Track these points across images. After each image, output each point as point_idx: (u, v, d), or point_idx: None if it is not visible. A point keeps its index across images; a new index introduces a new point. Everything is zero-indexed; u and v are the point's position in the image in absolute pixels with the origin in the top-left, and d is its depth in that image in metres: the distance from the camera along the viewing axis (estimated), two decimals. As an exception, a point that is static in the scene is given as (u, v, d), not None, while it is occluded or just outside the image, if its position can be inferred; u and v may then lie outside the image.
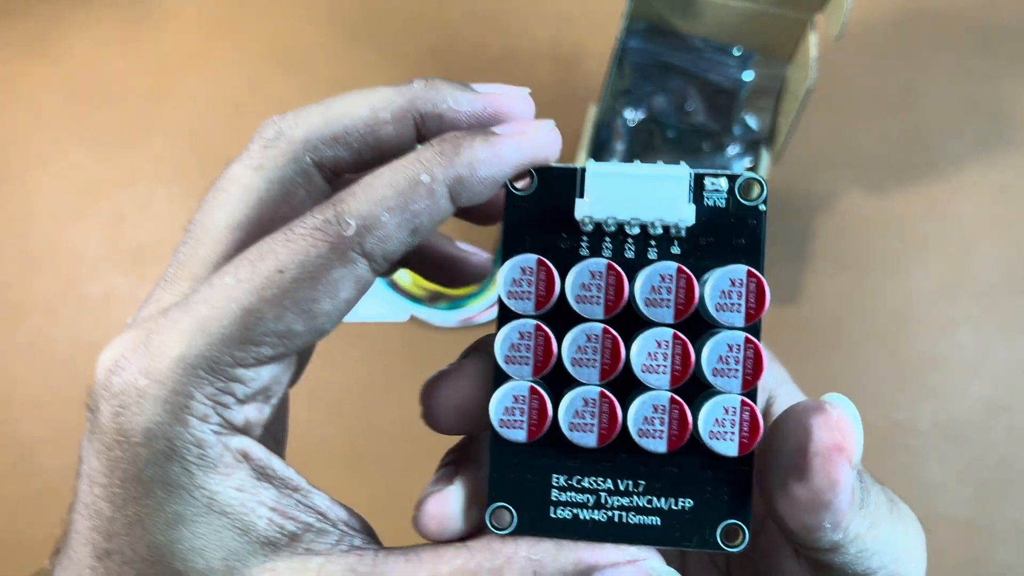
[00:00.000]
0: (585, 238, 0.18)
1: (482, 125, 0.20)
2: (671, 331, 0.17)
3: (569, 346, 0.18)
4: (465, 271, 0.25)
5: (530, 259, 0.18)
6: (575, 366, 0.18)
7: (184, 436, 0.17)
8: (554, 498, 0.19)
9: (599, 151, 0.53)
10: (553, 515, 0.19)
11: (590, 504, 0.19)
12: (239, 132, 0.58)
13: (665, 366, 0.18)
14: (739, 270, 0.17)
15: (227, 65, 0.60)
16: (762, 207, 0.18)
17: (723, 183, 0.18)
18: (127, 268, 0.55)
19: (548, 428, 0.18)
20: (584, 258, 0.18)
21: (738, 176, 0.18)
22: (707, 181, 0.18)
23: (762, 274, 0.18)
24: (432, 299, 0.53)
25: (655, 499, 0.19)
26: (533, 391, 0.18)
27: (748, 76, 0.54)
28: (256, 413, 0.18)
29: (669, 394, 0.18)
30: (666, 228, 0.18)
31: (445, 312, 0.52)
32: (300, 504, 0.18)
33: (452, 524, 0.19)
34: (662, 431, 0.18)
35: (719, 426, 0.18)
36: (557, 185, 0.19)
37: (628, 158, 0.53)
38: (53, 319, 0.54)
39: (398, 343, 0.52)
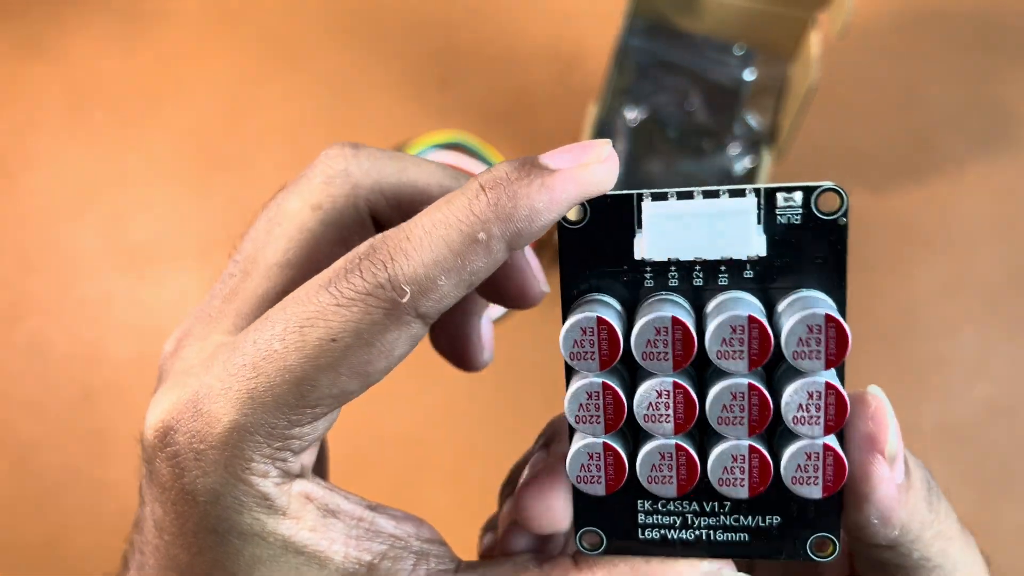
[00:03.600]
0: (649, 268, 0.18)
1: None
2: (746, 382, 0.17)
3: (640, 403, 0.17)
4: (527, 294, 0.23)
5: (591, 319, 0.17)
6: (648, 422, 0.17)
7: (248, 492, 0.17)
8: (641, 521, 0.19)
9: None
10: (641, 536, 0.19)
11: (677, 525, 0.19)
12: (238, 132, 0.58)
13: (742, 417, 0.17)
14: (817, 315, 0.16)
15: (226, 65, 0.59)
16: (843, 220, 0.17)
17: (798, 197, 0.17)
18: (125, 268, 0.55)
19: (627, 480, 0.18)
20: (649, 290, 0.18)
21: (815, 188, 0.17)
22: (779, 197, 0.17)
23: (843, 300, 0.17)
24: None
25: (741, 518, 0.19)
26: (607, 448, 0.18)
27: (749, 75, 0.54)
28: (311, 456, 0.19)
29: (748, 443, 0.17)
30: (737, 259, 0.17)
31: (445, 312, 0.52)
32: (369, 531, 0.19)
33: (558, 517, 0.19)
34: (743, 479, 0.17)
35: (802, 471, 0.17)
36: (612, 213, 0.18)
37: (629, 158, 0.53)
38: (51, 319, 0.54)
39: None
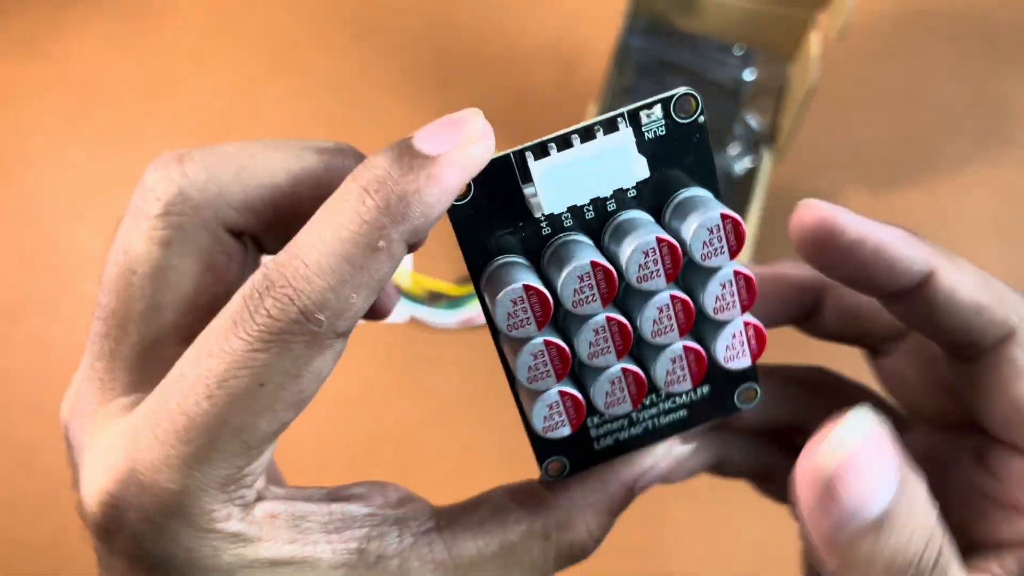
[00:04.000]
0: (543, 218, 0.18)
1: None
2: (668, 294, 0.18)
3: (581, 346, 0.18)
4: (382, 310, 0.23)
5: (517, 289, 0.17)
6: (592, 359, 0.18)
7: (219, 537, 0.17)
8: (593, 435, 0.21)
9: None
10: (597, 447, 0.21)
11: (625, 426, 0.21)
12: (238, 131, 0.58)
13: (672, 324, 0.19)
14: (713, 217, 0.18)
15: (226, 64, 0.59)
16: (701, 119, 0.18)
17: (658, 110, 0.18)
18: (126, 268, 0.55)
19: (587, 412, 0.19)
20: (547, 237, 0.19)
21: (671, 98, 0.18)
22: (642, 115, 0.18)
23: (718, 191, 0.19)
24: (432, 299, 0.52)
25: (678, 399, 0.21)
26: (563, 394, 0.19)
27: (749, 75, 0.54)
28: (262, 480, 0.18)
29: (682, 344, 0.19)
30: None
31: (445, 312, 0.52)
32: (344, 520, 0.19)
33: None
34: (683, 375, 0.19)
35: (732, 350, 0.19)
36: (496, 178, 0.18)
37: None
38: (52, 319, 0.54)
39: (397, 344, 0.52)
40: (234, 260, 0.19)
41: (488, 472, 0.51)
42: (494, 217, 0.18)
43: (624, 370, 0.19)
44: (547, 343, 0.18)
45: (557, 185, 0.18)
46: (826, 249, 0.19)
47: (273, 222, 0.19)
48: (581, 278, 0.18)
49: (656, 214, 0.19)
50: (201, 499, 0.17)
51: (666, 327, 0.19)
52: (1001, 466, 0.20)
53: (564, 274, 0.18)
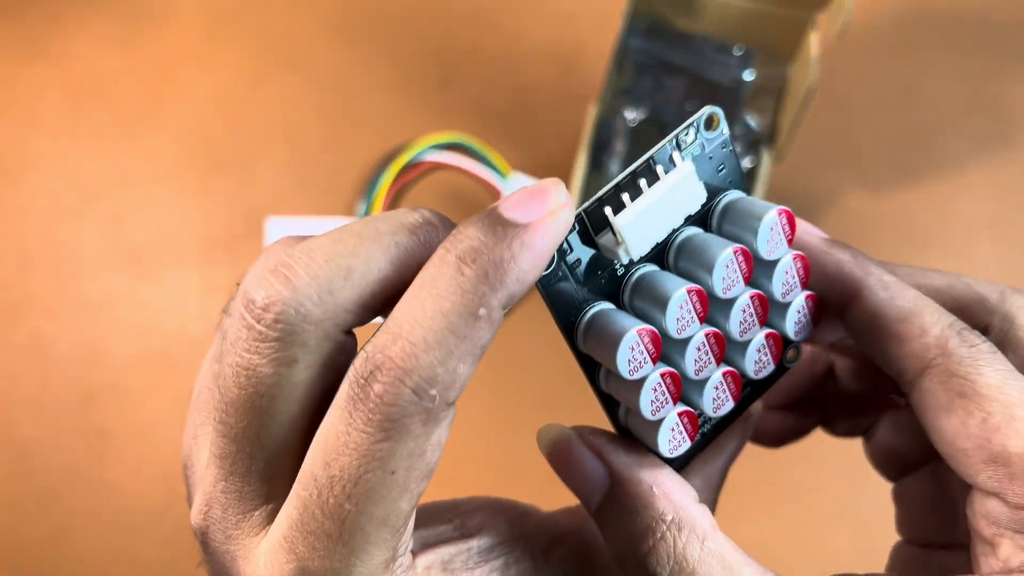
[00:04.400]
0: (616, 260, 0.20)
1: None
2: (748, 295, 0.20)
3: (689, 365, 0.20)
4: None
5: (632, 336, 0.18)
6: (699, 374, 0.20)
7: None
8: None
9: (599, 151, 0.53)
10: (695, 443, 0.22)
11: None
12: (238, 132, 0.58)
13: (753, 319, 0.20)
14: (772, 216, 0.19)
15: (227, 64, 0.59)
16: (726, 132, 0.20)
17: (691, 133, 0.20)
18: (126, 268, 0.55)
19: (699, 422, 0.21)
20: (623, 275, 0.20)
21: (700, 118, 0.20)
22: (681, 140, 0.20)
23: (747, 190, 0.21)
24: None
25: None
26: (681, 414, 0.20)
27: (749, 75, 0.54)
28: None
29: (763, 332, 0.21)
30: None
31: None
32: (482, 554, 0.20)
33: None
34: (768, 358, 0.21)
35: (798, 324, 0.21)
36: (573, 234, 0.19)
37: (629, 158, 0.53)
38: (51, 319, 0.54)
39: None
40: (349, 353, 0.19)
41: (488, 472, 0.51)
42: (576, 272, 0.19)
43: (724, 374, 0.20)
44: (662, 374, 0.19)
45: (640, 231, 0.19)
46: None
47: (383, 308, 0.19)
48: (681, 306, 0.19)
49: (701, 222, 0.21)
50: None
51: (749, 324, 0.20)
52: (972, 501, 0.20)
53: (668, 307, 0.19)
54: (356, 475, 0.17)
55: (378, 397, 0.16)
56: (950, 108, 0.58)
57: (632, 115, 0.53)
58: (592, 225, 0.19)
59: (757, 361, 0.21)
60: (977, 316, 0.21)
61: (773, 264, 0.20)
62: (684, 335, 0.19)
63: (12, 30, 0.60)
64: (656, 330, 0.19)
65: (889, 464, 0.26)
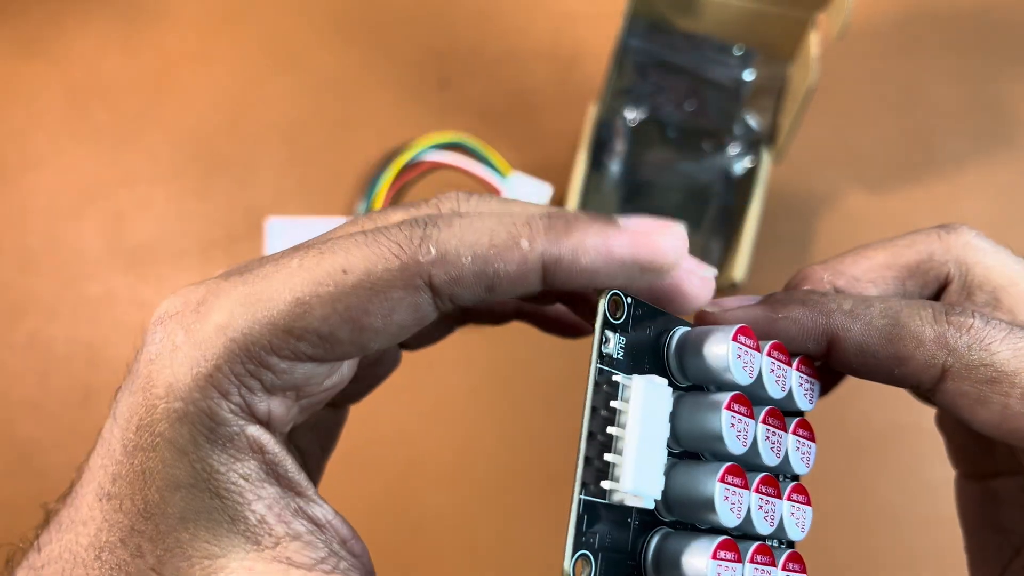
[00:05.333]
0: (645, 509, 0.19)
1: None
2: (761, 429, 0.20)
3: (763, 528, 0.19)
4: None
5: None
6: (772, 523, 0.20)
7: (200, 404, 0.17)
8: None
9: (599, 151, 0.53)
10: None
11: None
12: (238, 132, 0.58)
13: (776, 434, 0.20)
14: (733, 351, 0.19)
15: (227, 64, 0.59)
16: (628, 299, 0.19)
17: (608, 337, 0.18)
18: (126, 267, 0.55)
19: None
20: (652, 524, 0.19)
21: (601, 320, 0.18)
22: (606, 354, 0.18)
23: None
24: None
25: None
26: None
27: (749, 75, 0.54)
28: (282, 409, 0.18)
29: (789, 436, 0.20)
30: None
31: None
32: (300, 511, 0.18)
33: None
34: (806, 445, 0.21)
35: (807, 395, 0.21)
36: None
37: (629, 158, 0.53)
38: (51, 319, 0.54)
39: (398, 343, 0.52)
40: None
41: (487, 471, 0.51)
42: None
43: (791, 494, 0.20)
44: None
45: (645, 475, 0.18)
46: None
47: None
48: (726, 497, 0.19)
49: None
50: (221, 348, 0.17)
51: (776, 441, 0.20)
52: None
53: (717, 505, 0.18)
54: (325, 248, 0.17)
55: (401, 226, 0.17)
56: (950, 108, 0.58)
57: (632, 115, 0.53)
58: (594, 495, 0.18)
59: (802, 456, 0.20)
60: (932, 273, 0.21)
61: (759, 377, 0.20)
62: (742, 514, 0.19)
63: (12, 29, 0.60)
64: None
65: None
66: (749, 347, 0.19)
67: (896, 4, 0.60)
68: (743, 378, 0.19)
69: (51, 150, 0.58)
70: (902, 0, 0.60)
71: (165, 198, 0.57)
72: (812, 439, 0.21)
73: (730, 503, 0.18)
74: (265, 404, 0.17)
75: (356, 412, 0.57)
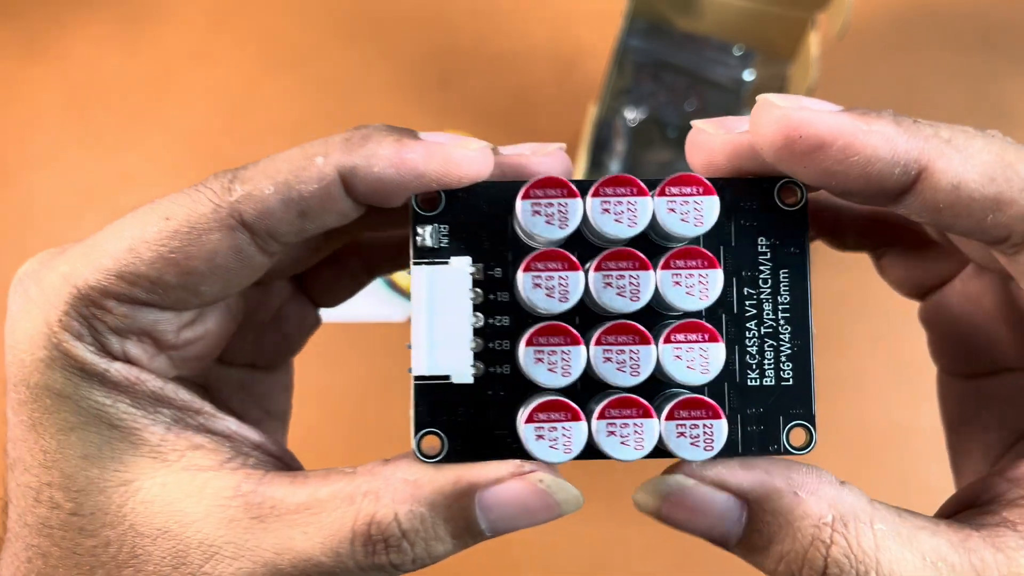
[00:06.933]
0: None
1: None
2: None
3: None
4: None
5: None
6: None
7: (61, 348, 0.17)
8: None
9: (599, 151, 0.53)
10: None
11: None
12: (238, 132, 0.58)
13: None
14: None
15: (226, 65, 0.59)
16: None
17: (422, 231, 0.19)
18: (126, 268, 0.55)
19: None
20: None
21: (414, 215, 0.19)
22: (419, 246, 0.19)
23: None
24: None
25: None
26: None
27: (749, 75, 0.54)
28: (140, 352, 0.18)
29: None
30: None
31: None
32: (201, 426, 0.19)
33: None
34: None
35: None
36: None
37: (629, 158, 0.53)
38: (51, 319, 0.54)
39: (397, 343, 0.52)
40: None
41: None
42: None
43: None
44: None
45: (437, 361, 0.19)
46: (792, 162, 0.17)
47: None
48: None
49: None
50: (65, 294, 0.18)
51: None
52: None
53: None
54: (156, 204, 0.19)
55: (216, 178, 0.19)
56: (950, 108, 0.58)
57: (632, 115, 0.53)
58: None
59: (688, 289, 0.19)
60: None
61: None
62: (570, 372, 0.18)
63: (12, 30, 0.60)
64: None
65: (907, 285, 0.23)
66: (554, 196, 0.18)
67: (896, 4, 0.60)
68: (550, 232, 0.18)
69: (51, 151, 0.58)
70: (902, 0, 0.60)
71: (165, 198, 0.57)
72: (709, 266, 0.18)
73: (546, 364, 0.18)
74: (119, 345, 0.18)
75: (356, 410, 0.57)
